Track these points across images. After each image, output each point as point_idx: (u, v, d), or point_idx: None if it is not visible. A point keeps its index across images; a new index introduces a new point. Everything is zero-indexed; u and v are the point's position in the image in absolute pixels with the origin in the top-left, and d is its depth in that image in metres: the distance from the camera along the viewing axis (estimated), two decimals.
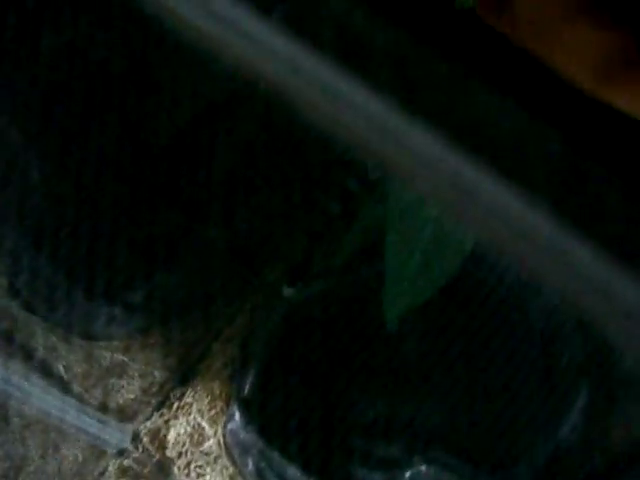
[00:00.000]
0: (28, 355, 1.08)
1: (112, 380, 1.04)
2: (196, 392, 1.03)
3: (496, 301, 0.92)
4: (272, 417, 0.92)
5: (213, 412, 1.01)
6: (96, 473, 1.04)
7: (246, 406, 0.92)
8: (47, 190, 1.00)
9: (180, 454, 1.02)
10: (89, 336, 1.03)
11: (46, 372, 1.07)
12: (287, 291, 0.97)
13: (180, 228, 1.01)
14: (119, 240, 0.99)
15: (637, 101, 0.47)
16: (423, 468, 0.92)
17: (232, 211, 1.02)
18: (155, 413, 1.04)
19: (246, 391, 0.92)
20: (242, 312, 1.05)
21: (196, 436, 1.02)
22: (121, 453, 1.04)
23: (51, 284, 0.99)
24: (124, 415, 1.04)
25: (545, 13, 0.47)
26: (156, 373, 1.04)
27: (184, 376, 1.05)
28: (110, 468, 1.04)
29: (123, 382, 1.04)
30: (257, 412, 0.92)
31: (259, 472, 0.95)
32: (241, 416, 0.91)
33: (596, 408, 0.93)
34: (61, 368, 1.05)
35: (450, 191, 0.34)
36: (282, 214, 1.01)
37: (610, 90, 0.47)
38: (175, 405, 1.03)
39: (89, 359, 1.04)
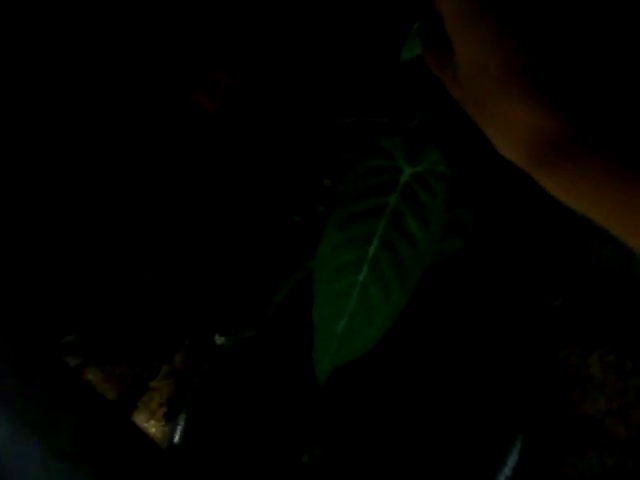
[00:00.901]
0: None
1: None
2: None
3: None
4: (201, 466, 0.93)
5: None
6: None
7: (176, 454, 0.92)
8: None
9: None
10: None
11: None
12: (219, 339, 0.97)
13: (114, 273, 1.01)
14: (52, 284, 1.00)
15: (567, 190, 0.45)
16: None
17: (168, 260, 1.02)
18: None
19: (176, 439, 0.93)
20: (179, 351, 1.05)
21: None
22: None
23: None
24: None
25: (480, 80, 0.45)
26: None
27: (122, 412, 1.05)
28: None
29: None
30: (185, 461, 0.92)
31: None
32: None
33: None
34: None
35: None
36: (216, 267, 1.02)
37: (541, 174, 0.45)
38: None
39: None
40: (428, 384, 0.97)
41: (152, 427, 1.02)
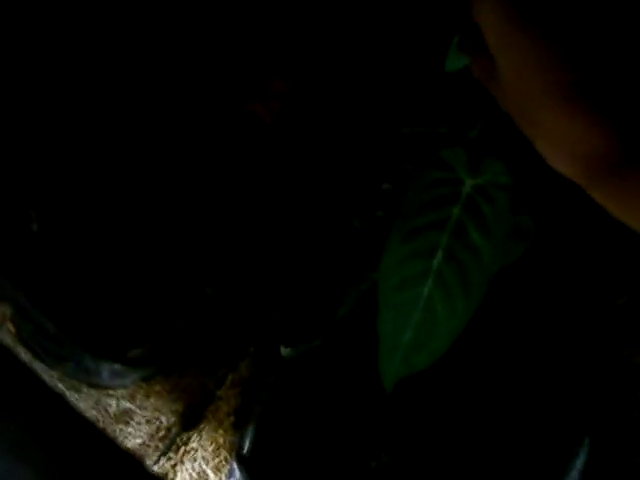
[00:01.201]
0: None
1: (119, 426, 1.06)
2: (201, 438, 1.05)
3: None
4: (270, 476, 0.94)
5: (217, 460, 1.03)
6: None
7: (245, 464, 0.93)
8: (51, 254, 1.02)
9: None
10: (95, 385, 1.05)
11: None
12: (285, 350, 0.98)
13: (179, 287, 1.03)
14: (120, 300, 1.01)
15: (619, 206, 0.44)
16: None
17: (231, 274, 1.03)
18: (162, 457, 1.06)
19: (245, 449, 0.94)
20: (244, 359, 1.06)
21: None
22: None
23: (56, 340, 1.01)
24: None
25: (525, 94, 0.44)
26: (162, 418, 1.06)
27: (189, 421, 1.06)
28: None
29: (130, 429, 1.05)
30: (255, 471, 0.93)
31: None
32: (240, 474, 0.93)
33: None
34: None
35: None
36: (279, 276, 1.03)
37: (593, 189, 0.45)
38: (181, 450, 1.05)
39: (97, 406, 1.06)
40: (495, 388, 0.97)
41: (220, 437, 1.03)
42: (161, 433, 1.06)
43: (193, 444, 1.05)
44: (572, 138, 0.42)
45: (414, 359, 0.77)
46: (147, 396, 1.06)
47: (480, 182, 0.71)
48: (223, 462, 1.03)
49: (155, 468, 1.07)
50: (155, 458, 1.06)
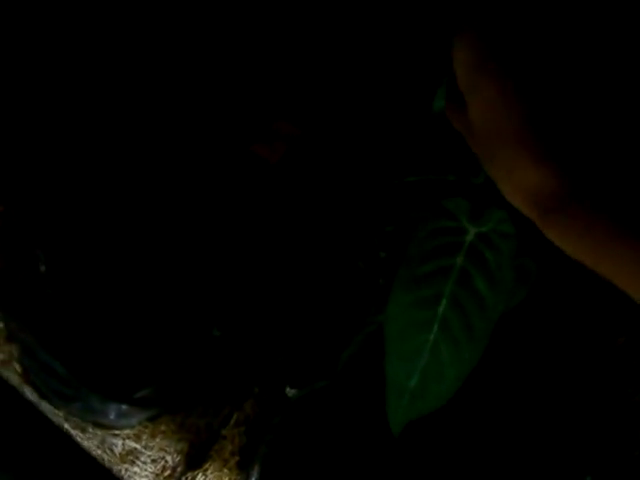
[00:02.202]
0: None
1: (125, 466, 1.06)
2: (206, 477, 1.05)
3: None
4: None
5: None
6: None
7: None
8: (58, 294, 1.03)
9: None
10: (101, 425, 1.05)
11: None
12: (290, 391, 0.99)
13: (187, 329, 1.04)
14: (127, 341, 1.02)
15: (569, 245, 0.47)
16: None
17: (238, 315, 1.04)
18: None
19: None
20: (249, 399, 1.07)
21: None
22: None
23: (62, 380, 1.02)
24: None
25: (490, 137, 0.47)
26: (168, 458, 1.07)
27: (195, 460, 1.07)
28: None
29: (136, 468, 1.06)
30: None
31: None
32: None
33: None
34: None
35: None
36: (283, 317, 1.04)
37: (545, 228, 0.47)
38: None
39: (102, 445, 1.06)
40: (500, 428, 0.98)
41: (225, 476, 1.04)
42: (167, 472, 1.07)
43: None
44: (529, 179, 0.45)
45: (421, 404, 0.78)
46: (153, 436, 1.06)
47: (483, 230, 0.73)
48: None
49: None
50: None
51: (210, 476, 1.05)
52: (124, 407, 1.06)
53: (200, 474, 1.06)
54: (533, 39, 0.45)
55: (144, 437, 1.07)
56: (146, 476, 1.06)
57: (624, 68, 0.46)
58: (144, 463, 1.07)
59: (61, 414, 1.06)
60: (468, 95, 0.47)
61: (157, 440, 1.07)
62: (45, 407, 1.06)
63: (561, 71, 0.45)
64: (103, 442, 1.07)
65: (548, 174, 0.45)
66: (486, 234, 0.71)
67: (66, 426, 1.06)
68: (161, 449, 1.07)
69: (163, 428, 1.07)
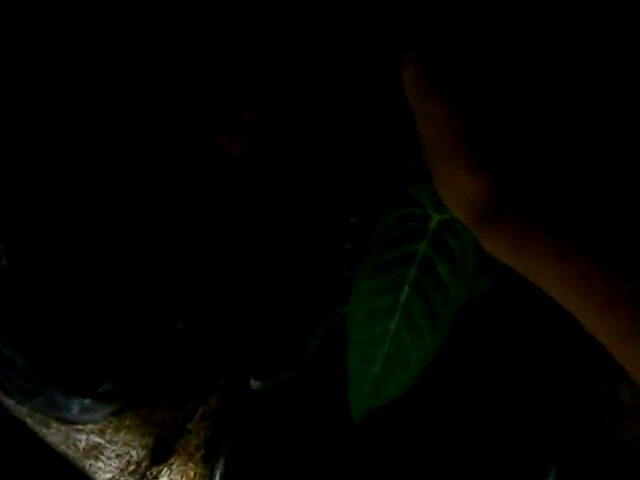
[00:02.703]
0: None
1: (89, 461, 1.05)
2: (172, 471, 1.05)
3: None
4: None
5: None
6: None
7: None
8: (19, 288, 1.02)
9: None
10: (65, 420, 1.04)
11: None
12: (255, 384, 0.99)
13: (149, 322, 1.03)
14: (89, 335, 1.02)
15: (499, 252, 0.49)
16: None
17: (202, 308, 1.04)
18: None
19: None
20: (214, 392, 1.06)
21: None
22: None
23: (24, 375, 1.01)
24: None
25: (431, 148, 0.50)
26: (132, 453, 1.06)
27: (160, 455, 1.07)
28: None
29: (100, 464, 1.05)
30: None
31: None
32: None
33: None
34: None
35: None
36: (247, 309, 1.04)
37: (479, 235, 0.50)
38: None
39: (66, 441, 1.05)
40: (462, 417, 0.98)
41: (191, 470, 1.04)
42: (131, 467, 1.06)
43: (164, 478, 1.05)
44: (459, 186, 0.49)
45: (383, 391, 0.78)
46: (117, 430, 1.05)
47: (446, 217, 0.73)
48: None
49: None
50: None
51: (175, 470, 1.05)
52: (87, 402, 1.05)
53: (165, 469, 1.05)
54: (469, 59, 0.49)
55: (108, 432, 1.06)
56: (110, 471, 1.05)
57: (559, 82, 0.49)
58: (108, 458, 1.06)
59: (24, 410, 1.05)
60: (414, 112, 0.51)
61: (121, 435, 1.06)
62: (8, 403, 1.05)
63: (498, 86, 0.48)
64: (67, 437, 1.06)
65: (480, 185, 0.47)
66: (449, 221, 0.71)
67: (29, 421, 1.05)
68: (125, 444, 1.06)
69: (127, 423, 1.06)
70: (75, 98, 1.05)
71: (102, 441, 1.06)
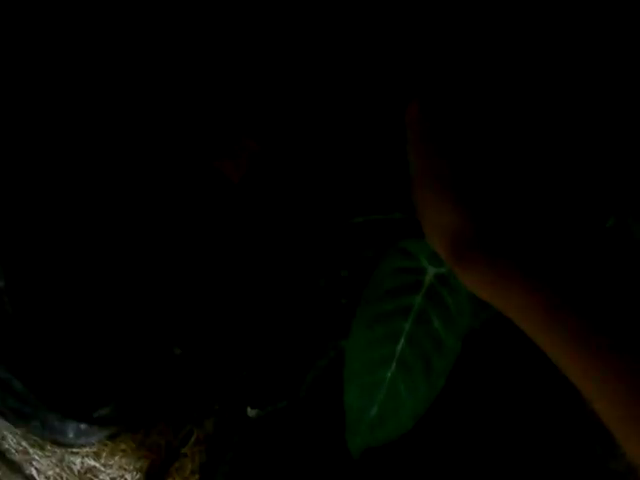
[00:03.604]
0: (0, 456, 1.10)
1: None
2: None
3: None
4: None
5: None
6: None
7: None
8: (17, 311, 1.02)
9: None
10: (60, 444, 1.05)
11: (19, 474, 1.09)
12: (251, 412, 0.99)
13: (147, 348, 1.04)
14: (86, 359, 1.02)
15: (478, 284, 0.52)
16: None
17: (200, 335, 1.04)
18: None
19: None
20: (209, 417, 1.07)
21: None
22: None
23: (21, 398, 1.01)
24: None
25: (417, 184, 0.55)
26: (127, 476, 1.07)
27: (155, 479, 1.07)
28: None
29: None
30: None
31: None
32: None
33: None
34: (34, 471, 1.07)
35: None
36: (246, 340, 1.04)
37: (461, 270, 0.52)
38: None
39: (61, 464, 1.06)
40: (458, 444, 0.99)
41: None
42: None
43: None
44: (440, 219, 0.53)
45: (379, 433, 0.79)
46: (112, 454, 1.06)
47: (442, 271, 0.73)
48: None
49: None
50: None
51: None
52: (83, 426, 1.05)
53: None
54: (464, 113, 0.55)
55: (103, 455, 1.07)
56: None
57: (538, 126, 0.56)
58: None
59: (19, 432, 1.05)
60: (411, 149, 0.56)
61: (116, 458, 1.07)
62: (2, 425, 1.05)
63: (486, 138, 0.55)
64: (62, 460, 1.06)
65: (460, 218, 0.52)
66: (445, 276, 0.72)
67: (24, 444, 1.06)
68: (121, 467, 1.07)
69: (123, 446, 1.07)
70: (82, 119, 1.05)
71: (97, 464, 1.07)
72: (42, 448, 1.06)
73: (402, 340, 0.73)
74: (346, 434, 0.81)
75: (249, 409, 1.02)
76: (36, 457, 1.06)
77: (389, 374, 0.75)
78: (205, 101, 1.07)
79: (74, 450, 1.06)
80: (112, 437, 1.06)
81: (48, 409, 1.05)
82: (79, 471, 1.06)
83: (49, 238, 1.07)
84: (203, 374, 1.07)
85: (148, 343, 1.06)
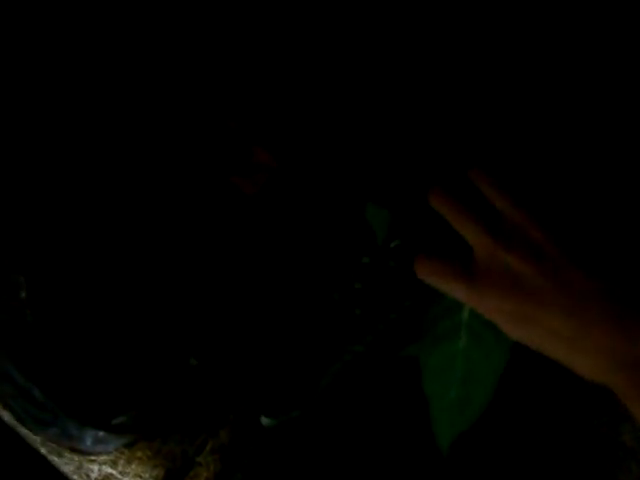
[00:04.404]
0: None
1: None
2: None
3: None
4: None
5: None
6: None
7: None
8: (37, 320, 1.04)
9: None
10: (78, 451, 1.06)
11: None
12: (265, 420, 1.03)
13: (164, 358, 1.06)
14: (105, 367, 1.04)
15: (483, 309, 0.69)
16: None
17: (215, 346, 1.08)
18: None
19: None
20: (224, 426, 1.10)
21: None
22: None
23: (40, 406, 1.02)
24: None
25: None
26: None
27: None
28: None
29: None
30: None
31: None
32: None
33: None
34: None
35: None
36: (260, 350, 1.08)
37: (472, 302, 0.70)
38: None
39: (78, 471, 1.07)
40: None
41: None
42: None
43: None
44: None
45: (467, 412, 0.82)
46: (129, 462, 1.07)
47: None
48: None
49: None
50: None
51: None
52: (101, 433, 1.07)
53: None
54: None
55: (120, 463, 1.08)
56: None
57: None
58: None
59: (38, 439, 1.06)
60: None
61: (133, 466, 1.08)
62: (22, 431, 1.06)
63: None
64: (79, 467, 1.07)
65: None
66: None
67: (43, 451, 1.06)
68: (137, 475, 1.08)
69: (139, 454, 1.08)
70: (96, 129, 1.08)
71: (114, 472, 1.08)
72: (60, 455, 1.06)
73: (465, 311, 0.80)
74: (433, 427, 0.82)
75: (263, 418, 1.05)
76: (54, 464, 1.07)
77: (460, 345, 0.80)
78: (222, 115, 1.11)
79: (92, 457, 1.07)
80: (129, 445, 1.08)
81: (67, 417, 1.05)
82: (96, 478, 1.07)
83: (70, 249, 1.10)
84: (218, 385, 1.10)
85: (165, 354, 1.09)
